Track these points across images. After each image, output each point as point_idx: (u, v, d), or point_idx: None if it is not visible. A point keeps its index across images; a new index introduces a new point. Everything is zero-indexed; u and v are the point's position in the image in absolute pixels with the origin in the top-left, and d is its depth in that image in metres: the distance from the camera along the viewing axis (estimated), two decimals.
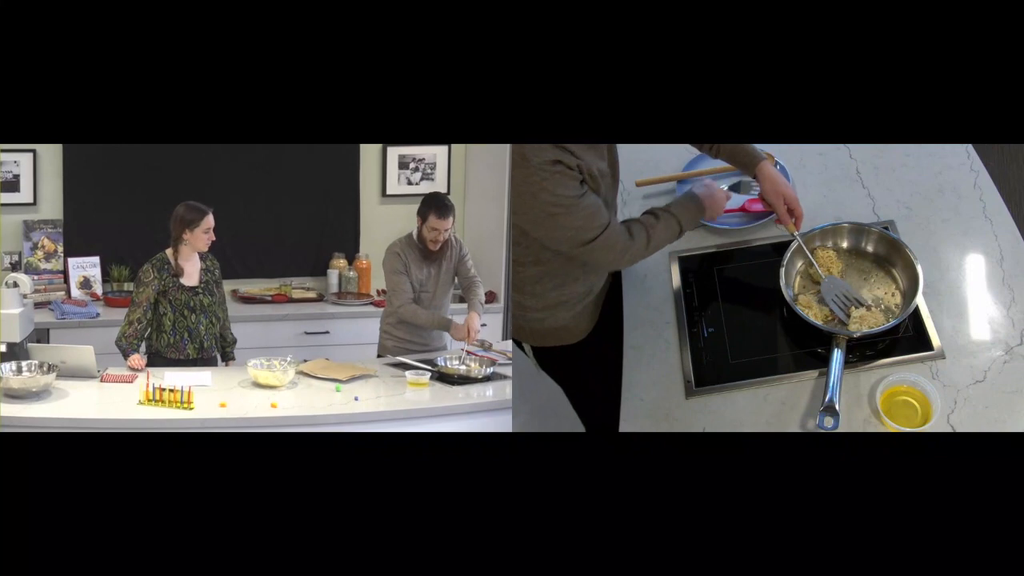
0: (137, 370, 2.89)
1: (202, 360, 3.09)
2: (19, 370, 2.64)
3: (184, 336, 3.04)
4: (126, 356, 2.95)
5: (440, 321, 3.30)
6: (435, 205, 3.27)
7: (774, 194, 2.23)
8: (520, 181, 1.91)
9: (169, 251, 3.05)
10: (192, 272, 3.06)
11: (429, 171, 4.33)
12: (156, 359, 3.06)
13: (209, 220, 3.03)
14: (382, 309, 3.50)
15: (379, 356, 3.37)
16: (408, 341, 3.32)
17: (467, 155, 4.37)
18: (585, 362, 2.42)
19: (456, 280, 3.48)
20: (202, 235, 3.02)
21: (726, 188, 2.38)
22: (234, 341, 3.25)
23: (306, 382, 2.92)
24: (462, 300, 3.53)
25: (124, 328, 3.00)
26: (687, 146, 2.56)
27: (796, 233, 2.22)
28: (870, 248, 2.24)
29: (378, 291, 4.08)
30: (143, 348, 3.06)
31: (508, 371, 2.99)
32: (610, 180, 2.12)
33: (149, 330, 3.04)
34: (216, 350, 3.15)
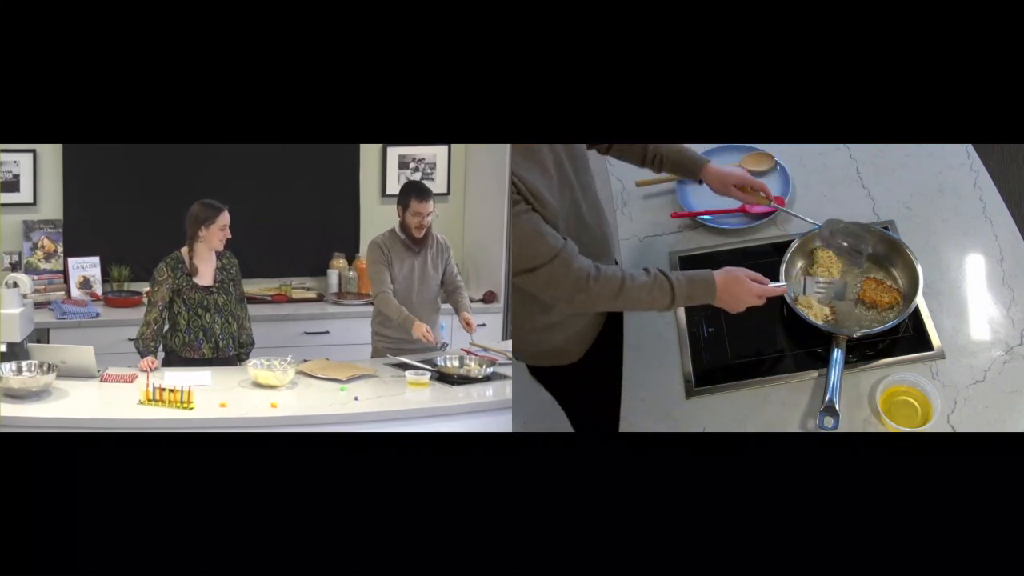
0: (144, 371, 2.88)
1: (218, 360, 3.08)
2: (19, 370, 2.64)
3: (199, 336, 3.04)
4: (142, 357, 2.96)
5: (406, 318, 3.20)
6: (415, 190, 3.27)
7: (726, 187, 2.23)
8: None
9: (184, 250, 3.04)
10: (207, 271, 3.06)
11: (429, 171, 4.33)
12: (172, 358, 3.05)
13: (225, 217, 3.02)
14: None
15: (372, 359, 3.35)
16: (398, 340, 3.29)
17: (467, 155, 4.37)
18: (580, 383, 2.38)
19: (441, 283, 3.43)
20: (217, 232, 3.02)
21: (784, 284, 2.07)
22: (250, 343, 3.19)
23: (306, 382, 2.91)
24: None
25: (142, 329, 3.00)
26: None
27: (776, 205, 2.23)
28: (870, 248, 2.24)
29: None
30: (160, 350, 3.05)
31: (508, 371, 2.99)
32: (560, 191, 1.91)
33: (166, 328, 3.04)
34: (233, 350, 3.13)
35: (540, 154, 1.86)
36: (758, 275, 2.00)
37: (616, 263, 2.35)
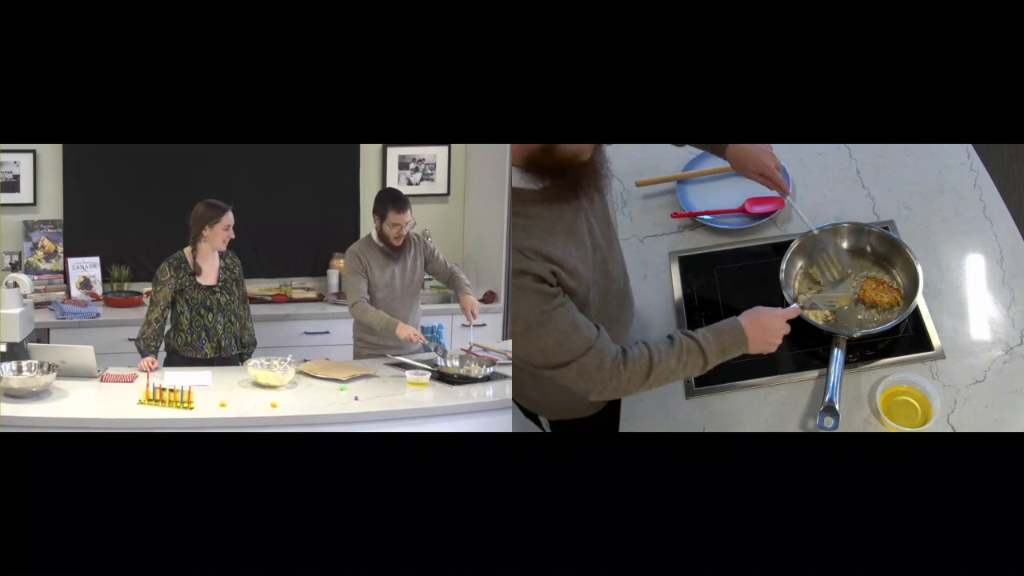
0: (144, 371, 2.88)
1: (220, 359, 3.08)
2: (19, 370, 2.64)
3: (201, 335, 3.04)
4: (143, 356, 2.96)
5: (388, 322, 3.16)
6: (391, 200, 3.21)
7: (745, 170, 2.21)
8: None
9: (187, 249, 3.05)
10: (210, 271, 3.06)
11: (429, 171, 4.33)
12: (174, 358, 3.06)
13: (229, 217, 3.03)
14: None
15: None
16: (381, 346, 3.27)
17: (467, 155, 4.37)
18: (596, 433, 2.29)
19: (435, 277, 3.42)
20: (221, 232, 3.02)
21: (798, 306, 2.03)
22: (252, 343, 3.19)
23: (306, 382, 2.91)
24: (454, 300, 3.49)
25: (143, 328, 3.00)
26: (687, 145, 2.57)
27: (788, 198, 2.25)
28: (870, 248, 2.24)
29: None
30: (162, 350, 3.05)
31: (508, 371, 2.99)
32: (593, 257, 1.81)
33: (169, 328, 3.04)
34: (235, 349, 3.13)
35: (577, 226, 1.77)
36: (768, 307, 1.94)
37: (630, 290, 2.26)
